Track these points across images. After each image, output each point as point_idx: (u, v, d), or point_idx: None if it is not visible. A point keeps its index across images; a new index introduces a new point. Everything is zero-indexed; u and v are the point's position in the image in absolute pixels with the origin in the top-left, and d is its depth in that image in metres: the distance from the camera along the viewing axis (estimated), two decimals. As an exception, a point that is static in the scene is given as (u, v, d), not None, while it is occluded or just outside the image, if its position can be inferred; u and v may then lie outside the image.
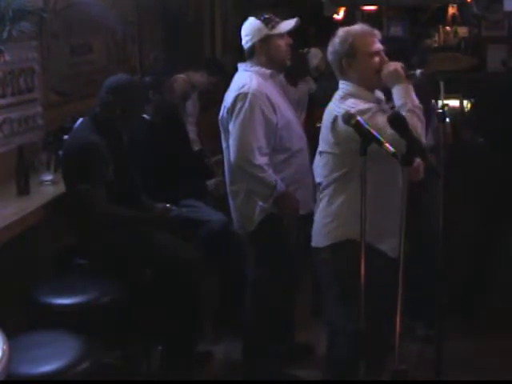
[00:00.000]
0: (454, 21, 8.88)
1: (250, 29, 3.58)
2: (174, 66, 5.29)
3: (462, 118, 4.88)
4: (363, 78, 3.05)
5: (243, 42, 3.61)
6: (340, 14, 9.14)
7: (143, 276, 3.59)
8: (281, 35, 3.55)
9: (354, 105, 2.94)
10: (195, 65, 5.28)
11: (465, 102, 5.00)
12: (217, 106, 3.72)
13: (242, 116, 3.44)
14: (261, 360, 3.75)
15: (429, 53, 6.02)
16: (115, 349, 3.43)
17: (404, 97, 2.97)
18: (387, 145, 2.47)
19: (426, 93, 3.61)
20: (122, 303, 3.24)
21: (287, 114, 3.60)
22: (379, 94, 3.19)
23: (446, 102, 3.28)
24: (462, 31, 8.58)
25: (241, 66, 3.64)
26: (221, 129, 3.64)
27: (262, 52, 3.56)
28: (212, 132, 4.19)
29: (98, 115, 3.60)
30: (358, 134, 2.54)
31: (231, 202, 3.71)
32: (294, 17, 3.58)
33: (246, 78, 3.54)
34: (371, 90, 3.11)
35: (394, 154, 2.45)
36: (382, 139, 2.48)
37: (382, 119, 2.80)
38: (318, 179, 3.20)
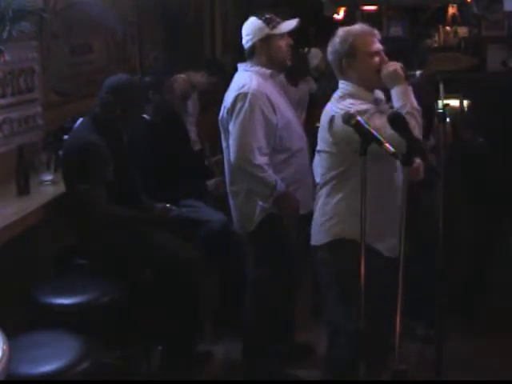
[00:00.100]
0: (454, 21, 8.88)
1: (251, 28, 3.58)
2: (174, 66, 5.29)
3: (462, 118, 4.87)
4: (363, 77, 3.06)
5: (244, 41, 3.60)
6: (340, 14, 9.15)
7: (143, 276, 3.59)
8: (282, 35, 3.55)
9: (351, 105, 2.94)
10: (195, 65, 5.29)
11: (465, 102, 5.00)
12: (217, 106, 3.72)
13: (242, 116, 3.44)
14: (261, 360, 3.75)
15: (429, 53, 6.01)
16: (115, 349, 3.42)
17: (403, 98, 2.96)
18: (387, 145, 2.47)
19: (426, 93, 3.61)
20: (122, 303, 3.24)
21: (287, 114, 3.60)
22: (379, 94, 3.19)
23: (446, 102, 3.28)
24: (462, 31, 8.59)
25: (241, 66, 3.64)
26: (221, 129, 3.64)
27: (262, 52, 3.55)
28: (212, 132, 4.19)
29: (98, 115, 3.60)
30: (358, 133, 2.54)
31: (231, 202, 3.71)
32: (294, 17, 3.58)
33: (245, 78, 3.54)
34: (371, 90, 3.11)
35: (394, 154, 2.45)
36: (382, 139, 2.49)
37: (379, 121, 2.80)
38: (317, 179, 3.20)
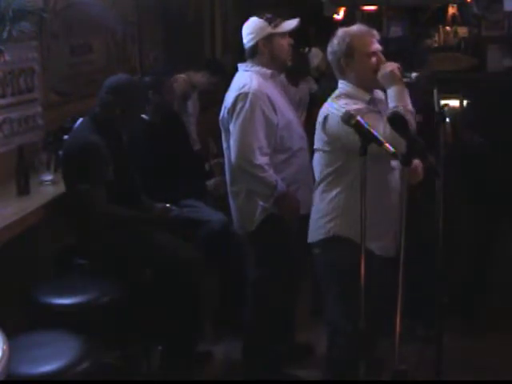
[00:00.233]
0: (454, 21, 8.88)
1: (253, 27, 3.57)
2: (174, 66, 5.29)
3: (462, 118, 4.87)
4: (361, 77, 3.07)
5: (245, 40, 3.59)
6: (340, 14, 9.15)
7: (143, 276, 3.59)
8: (283, 34, 3.55)
9: (345, 105, 2.95)
10: (195, 65, 5.29)
11: (465, 102, 5.00)
12: (217, 106, 3.72)
13: (242, 116, 3.43)
14: (261, 360, 3.75)
15: (429, 53, 6.02)
16: (115, 349, 3.42)
17: (398, 99, 2.97)
18: (387, 145, 2.47)
19: (425, 93, 3.60)
20: (122, 303, 3.24)
21: (288, 114, 3.60)
22: (380, 94, 3.19)
23: (445, 102, 3.28)
24: (462, 31, 8.57)
25: (241, 66, 3.63)
26: (221, 129, 3.64)
27: (264, 51, 3.55)
28: (212, 132, 4.19)
29: (98, 115, 3.60)
30: (358, 133, 2.54)
31: (232, 202, 3.71)
32: (294, 17, 3.58)
33: (246, 78, 3.54)
34: (369, 90, 3.11)
35: (393, 154, 2.45)
36: (381, 139, 2.49)
37: (372, 121, 2.79)
38: (317, 178, 3.21)
